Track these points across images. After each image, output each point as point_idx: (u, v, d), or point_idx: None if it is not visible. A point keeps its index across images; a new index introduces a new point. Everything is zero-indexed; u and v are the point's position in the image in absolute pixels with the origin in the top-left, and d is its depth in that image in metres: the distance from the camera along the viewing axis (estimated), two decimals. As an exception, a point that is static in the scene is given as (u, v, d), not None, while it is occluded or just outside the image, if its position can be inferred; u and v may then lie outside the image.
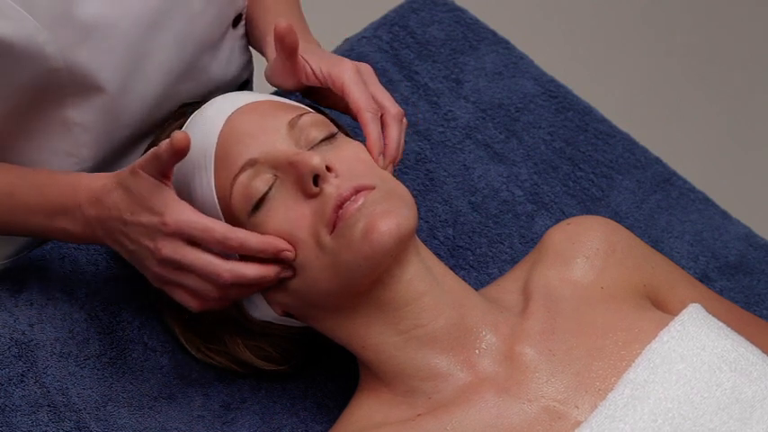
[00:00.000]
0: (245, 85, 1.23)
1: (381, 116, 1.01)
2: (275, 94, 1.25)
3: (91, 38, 1.00)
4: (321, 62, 1.03)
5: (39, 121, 1.05)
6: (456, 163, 1.25)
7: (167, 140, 0.91)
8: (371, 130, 0.99)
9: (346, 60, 1.02)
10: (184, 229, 0.92)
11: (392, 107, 1.01)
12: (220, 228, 0.93)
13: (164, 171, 0.93)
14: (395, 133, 1.00)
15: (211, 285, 0.94)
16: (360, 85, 1.01)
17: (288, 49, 1.01)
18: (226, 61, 1.16)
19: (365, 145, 0.99)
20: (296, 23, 1.12)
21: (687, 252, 1.22)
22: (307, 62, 1.03)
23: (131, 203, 0.94)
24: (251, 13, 1.16)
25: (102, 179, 0.98)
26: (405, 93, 1.29)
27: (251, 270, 0.94)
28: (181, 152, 0.91)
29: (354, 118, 1.02)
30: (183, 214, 0.93)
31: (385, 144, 0.99)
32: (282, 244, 0.94)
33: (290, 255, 0.94)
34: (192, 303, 0.96)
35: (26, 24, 0.95)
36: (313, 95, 1.09)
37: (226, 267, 0.93)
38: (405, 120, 1.03)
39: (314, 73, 1.03)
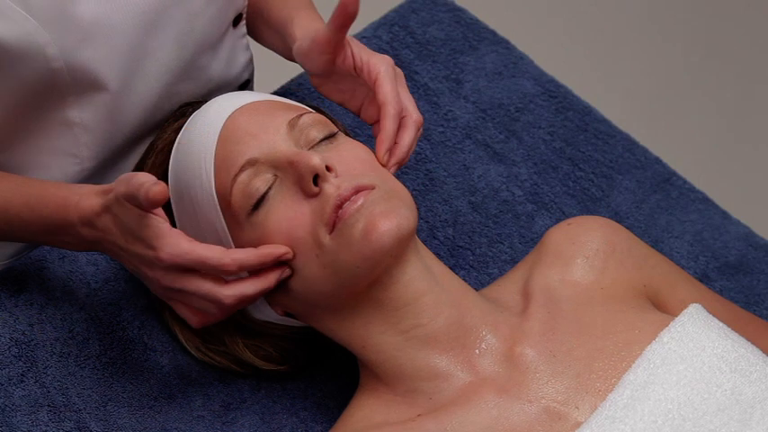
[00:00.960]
0: (245, 84, 1.23)
1: (402, 117, 1.01)
2: (275, 93, 1.25)
3: (91, 38, 0.99)
4: (361, 50, 1.03)
5: (39, 122, 1.05)
6: (456, 163, 1.25)
7: (145, 186, 0.87)
8: (388, 124, 0.99)
9: (384, 55, 1.03)
10: (179, 262, 0.91)
11: (414, 113, 1.02)
12: (215, 255, 0.91)
13: (340, 41, 0.97)
14: (409, 137, 1.01)
15: (214, 306, 0.94)
16: (393, 81, 1.01)
17: (347, 19, 1.00)
18: (226, 61, 1.16)
19: (376, 138, 1.00)
20: (312, 13, 1.12)
21: (687, 252, 1.22)
22: (349, 45, 1.03)
23: (123, 233, 0.93)
24: (261, 5, 1.16)
25: (89, 199, 0.95)
26: (405, 93, 1.29)
27: (251, 287, 0.94)
28: (156, 204, 0.88)
29: (368, 120, 1.05)
30: (176, 248, 0.91)
31: (396, 143, 1.00)
32: (279, 249, 0.94)
33: (289, 256, 0.94)
34: (193, 320, 0.97)
35: (26, 25, 0.95)
36: (324, 87, 1.08)
37: (227, 293, 0.93)
38: (421, 129, 1.04)
39: (353, 57, 1.03)
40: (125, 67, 1.04)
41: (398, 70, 1.04)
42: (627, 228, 1.12)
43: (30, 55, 0.96)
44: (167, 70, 1.08)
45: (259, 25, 1.18)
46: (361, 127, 1.25)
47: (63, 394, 1.06)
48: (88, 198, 0.96)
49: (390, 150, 1.00)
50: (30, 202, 1.00)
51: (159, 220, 0.92)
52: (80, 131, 1.06)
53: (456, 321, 0.96)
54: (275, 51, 1.17)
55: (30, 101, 1.02)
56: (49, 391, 1.06)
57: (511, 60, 1.33)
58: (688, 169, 1.42)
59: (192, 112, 1.05)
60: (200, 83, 1.13)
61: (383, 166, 0.99)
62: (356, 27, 1.36)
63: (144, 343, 1.10)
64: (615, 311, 0.98)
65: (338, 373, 1.10)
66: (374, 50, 1.31)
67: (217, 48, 1.13)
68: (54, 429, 1.04)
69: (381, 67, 1.01)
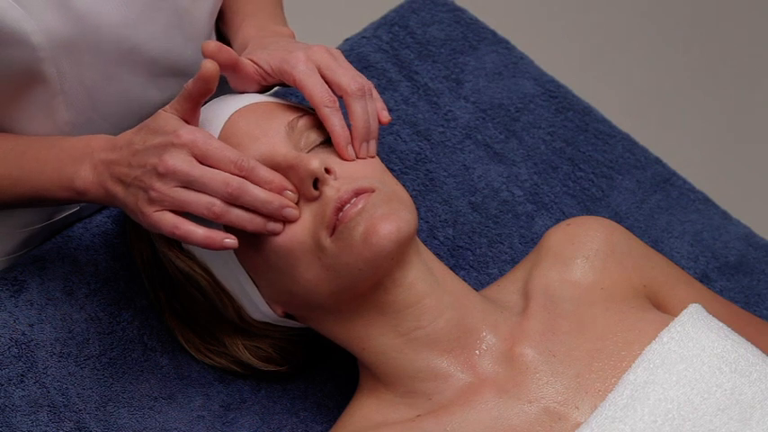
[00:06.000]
0: None
1: (342, 98, 0.98)
2: (275, 94, 1.25)
3: (80, 28, 0.99)
4: (271, 59, 1.00)
5: (25, 112, 1.04)
6: (456, 163, 1.25)
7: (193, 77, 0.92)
8: (332, 124, 0.96)
9: (297, 51, 0.99)
10: (199, 142, 0.91)
11: (350, 85, 0.98)
12: (235, 150, 0.92)
13: (188, 109, 0.93)
14: (357, 112, 0.97)
15: (215, 199, 0.91)
16: (313, 77, 0.98)
17: (227, 67, 0.99)
18: None
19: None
20: (266, 8, 1.12)
21: (687, 252, 1.22)
22: (257, 64, 1.01)
23: (146, 134, 0.93)
24: (223, 10, 1.15)
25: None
26: (405, 93, 1.29)
27: (259, 190, 0.92)
28: (208, 79, 0.90)
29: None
30: (199, 131, 0.92)
31: (352, 126, 0.97)
32: (288, 184, 0.94)
33: (292, 195, 0.94)
34: (182, 225, 0.92)
35: (11, 11, 0.94)
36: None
37: (236, 179, 0.91)
38: (371, 91, 0.99)
39: (267, 73, 1.01)
40: (112, 58, 1.03)
41: (318, 53, 0.99)
42: (627, 228, 1.12)
43: (14, 42, 0.96)
44: (154, 63, 1.08)
45: (222, 28, 1.17)
46: (361, 127, 1.25)
47: (63, 394, 1.06)
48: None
49: (351, 136, 0.97)
50: (53, 140, 1.01)
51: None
52: (70, 130, 1.06)
53: (457, 323, 0.96)
54: None
55: (14, 91, 1.01)
56: (48, 392, 1.06)
57: (511, 60, 1.33)
58: (688, 169, 1.43)
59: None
60: (190, 77, 1.13)
61: (351, 160, 0.97)
62: (356, 27, 1.37)
63: (144, 343, 1.10)
64: (615, 311, 0.98)
65: (338, 374, 1.10)
66: (374, 50, 1.31)
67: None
68: (54, 429, 1.04)
69: (295, 71, 0.98)
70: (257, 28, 1.09)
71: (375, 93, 1.00)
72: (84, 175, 0.97)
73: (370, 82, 1.00)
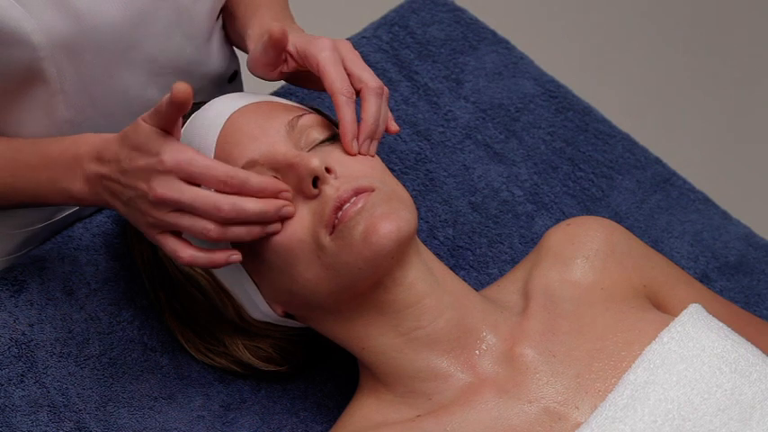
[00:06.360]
0: (234, 76, 1.22)
1: (360, 91, 0.98)
2: (275, 93, 1.25)
3: (80, 27, 0.99)
4: (297, 40, 1.00)
5: (25, 111, 1.04)
6: (456, 163, 1.25)
7: (166, 96, 0.89)
8: (344, 113, 0.96)
9: (323, 39, 1.00)
10: (183, 166, 0.90)
11: (371, 80, 0.98)
12: (222, 166, 0.91)
13: (166, 125, 0.91)
14: (372, 108, 0.98)
15: (210, 223, 0.91)
16: (336, 66, 0.98)
17: (279, 50, 1.00)
18: (215, 54, 1.16)
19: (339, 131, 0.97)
20: (275, 5, 1.12)
21: (687, 252, 1.22)
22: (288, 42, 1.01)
23: (130, 151, 0.92)
24: (230, 5, 1.15)
25: (105, 135, 0.96)
26: (405, 93, 1.29)
27: (252, 204, 0.91)
28: (180, 104, 0.88)
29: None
30: (181, 153, 0.90)
31: (361, 119, 0.97)
32: (282, 185, 0.93)
33: (288, 195, 0.93)
34: (183, 253, 0.92)
35: (11, 11, 0.94)
36: (295, 79, 1.07)
37: (227, 200, 0.90)
38: (386, 93, 1.00)
39: (293, 55, 1.01)
40: (111, 57, 1.03)
41: (343, 44, 1.00)
42: (627, 228, 1.12)
43: (14, 41, 0.95)
44: (153, 61, 1.08)
45: (229, 23, 1.17)
46: (361, 127, 1.25)
47: (63, 394, 1.06)
48: (102, 135, 0.96)
49: (359, 130, 0.97)
50: (41, 145, 1.00)
51: (172, 136, 0.91)
52: (69, 127, 1.06)
53: (457, 323, 0.96)
54: (244, 51, 1.14)
55: (15, 91, 1.01)
56: (48, 392, 1.06)
57: (511, 60, 1.33)
58: (688, 169, 1.43)
59: (193, 112, 1.05)
60: (191, 76, 1.13)
61: (352, 154, 0.97)
62: (356, 27, 1.37)
63: (144, 343, 1.10)
64: (615, 311, 0.98)
65: (338, 373, 1.10)
66: (374, 50, 1.31)
67: (205, 41, 1.13)
68: (54, 429, 1.04)
69: (320, 55, 0.98)
70: (272, 18, 1.09)
71: (388, 103, 1.00)
72: (80, 188, 0.97)
73: (388, 89, 1.00)
